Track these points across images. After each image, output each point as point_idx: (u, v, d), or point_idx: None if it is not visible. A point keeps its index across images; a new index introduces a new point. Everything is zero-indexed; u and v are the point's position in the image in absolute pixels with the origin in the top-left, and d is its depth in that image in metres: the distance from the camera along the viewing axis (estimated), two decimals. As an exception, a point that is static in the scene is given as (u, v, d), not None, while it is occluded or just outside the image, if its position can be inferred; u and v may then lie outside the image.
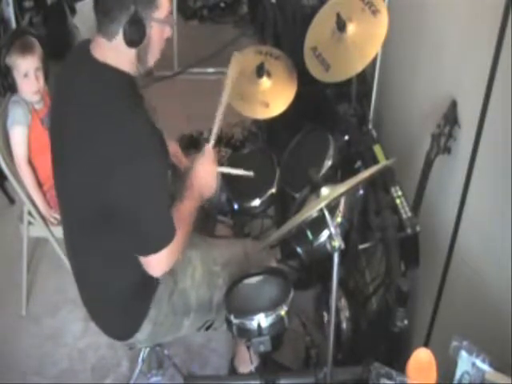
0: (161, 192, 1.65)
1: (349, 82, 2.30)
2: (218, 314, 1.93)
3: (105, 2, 1.57)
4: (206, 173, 1.87)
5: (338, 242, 1.49)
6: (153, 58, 1.68)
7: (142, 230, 1.65)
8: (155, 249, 1.65)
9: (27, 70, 2.41)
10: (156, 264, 1.69)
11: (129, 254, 1.71)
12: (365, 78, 2.51)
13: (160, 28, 1.63)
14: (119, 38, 1.58)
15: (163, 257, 1.67)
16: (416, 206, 1.88)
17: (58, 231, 2.51)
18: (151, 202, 1.62)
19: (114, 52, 1.61)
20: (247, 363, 2.13)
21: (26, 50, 2.41)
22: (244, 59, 2.17)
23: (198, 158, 1.88)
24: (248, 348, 1.78)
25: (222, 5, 5.15)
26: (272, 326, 1.71)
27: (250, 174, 2.05)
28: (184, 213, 1.77)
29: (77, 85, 1.66)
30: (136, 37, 1.58)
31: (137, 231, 1.65)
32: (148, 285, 1.81)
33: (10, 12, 3.28)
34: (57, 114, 1.78)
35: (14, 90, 2.46)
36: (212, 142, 1.93)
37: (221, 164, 2.11)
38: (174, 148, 2.10)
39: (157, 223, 1.66)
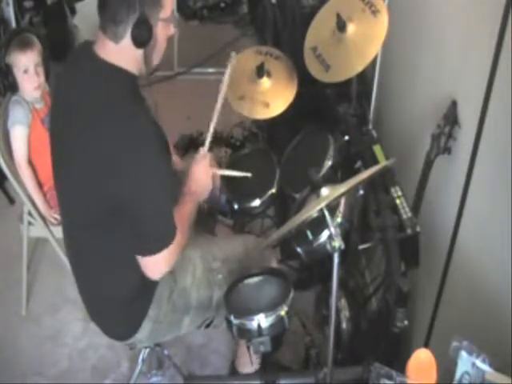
0: (164, 191, 1.65)
1: (349, 82, 2.30)
2: (217, 311, 1.93)
3: (111, 6, 1.57)
4: (202, 175, 1.92)
5: (338, 242, 1.49)
6: (158, 56, 1.70)
7: (143, 229, 1.64)
8: (155, 250, 1.65)
9: (27, 65, 2.41)
10: (154, 266, 1.69)
11: (129, 253, 1.71)
12: (365, 78, 2.51)
13: (164, 27, 1.65)
14: (126, 40, 1.59)
15: (162, 258, 1.67)
16: (416, 206, 1.88)
17: (58, 231, 2.51)
18: (153, 201, 1.62)
19: (121, 53, 1.62)
20: (248, 364, 2.13)
21: (25, 45, 2.42)
22: (239, 60, 2.20)
23: (194, 161, 1.94)
24: (248, 348, 1.78)
25: (222, 5, 5.14)
26: (272, 326, 1.71)
27: (248, 174, 2.09)
28: (184, 215, 1.77)
29: (80, 84, 1.66)
30: (144, 38, 1.59)
31: (137, 231, 1.65)
32: (148, 284, 1.81)
33: (10, 12, 3.28)
34: (58, 113, 1.78)
35: (15, 90, 2.46)
36: (207, 145, 2.00)
37: (220, 164, 2.13)
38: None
39: (158, 223, 1.66)
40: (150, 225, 1.65)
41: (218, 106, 2.07)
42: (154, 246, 1.66)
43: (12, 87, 2.45)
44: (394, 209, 1.90)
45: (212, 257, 1.97)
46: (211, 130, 2.04)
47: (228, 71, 2.11)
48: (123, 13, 1.55)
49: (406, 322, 1.76)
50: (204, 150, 1.98)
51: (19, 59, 2.41)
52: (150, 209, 1.62)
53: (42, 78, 2.46)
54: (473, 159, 1.65)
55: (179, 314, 1.90)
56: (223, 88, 2.09)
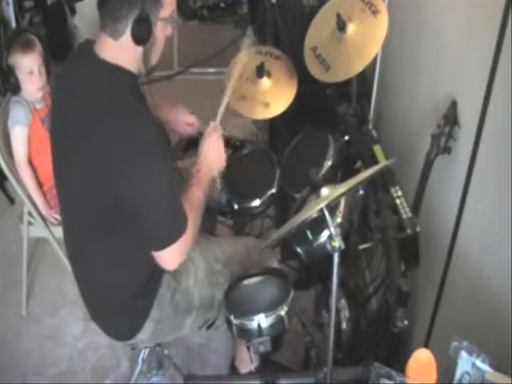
0: (167, 188, 1.65)
1: (349, 82, 2.29)
2: (219, 312, 1.93)
3: (111, 2, 1.57)
4: (215, 147, 1.92)
5: (338, 242, 1.49)
6: (156, 56, 1.70)
7: (151, 226, 1.65)
8: (168, 242, 1.65)
9: (31, 67, 2.41)
10: (170, 257, 1.69)
11: (131, 253, 1.71)
12: (365, 78, 2.50)
13: (163, 26, 1.65)
14: (126, 37, 1.59)
15: (177, 249, 1.67)
16: (416, 206, 1.88)
17: (58, 231, 2.51)
18: (158, 199, 1.62)
19: (120, 51, 1.62)
20: (248, 364, 2.13)
21: (26, 47, 2.41)
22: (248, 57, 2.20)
23: (205, 135, 1.93)
24: (248, 348, 1.78)
25: (222, 5, 5.15)
26: (272, 326, 1.71)
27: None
28: (194, 200, 1.77)
29: (80, 84, 1.66)
30: (143, 35, 1.60)
31: (148, 227, 1.65)
32: (150, 285, 1.81)
33: (10, 12, 3.28)
34: (59, 113, 1.78)
35: (16, 92, 2.45)
36: (219, 117, 1.98)
37: None
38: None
39: (167, 217, 1.66)
40: (158, 221, 1.65)
41: (233, 80, 2.04)
42: (166, 240, 1.65)
43: (14, 89, 2.44)
44: (394, 209, 1.89)
45: (214, 258, 1.97)
46: (225, 100, 2.01)
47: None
48: (124, 8, 1.55)
49: (406, 322, 1.76)
50: (215, 123, 1.95)
51: (22, 61, 2.40)
52: (156, 206, 1.62)
53: (45, 79, 2.46)
54: (473, 159, 1.64)
55: (181, 314, 1.90)
56: (240, 62, 2.08)
